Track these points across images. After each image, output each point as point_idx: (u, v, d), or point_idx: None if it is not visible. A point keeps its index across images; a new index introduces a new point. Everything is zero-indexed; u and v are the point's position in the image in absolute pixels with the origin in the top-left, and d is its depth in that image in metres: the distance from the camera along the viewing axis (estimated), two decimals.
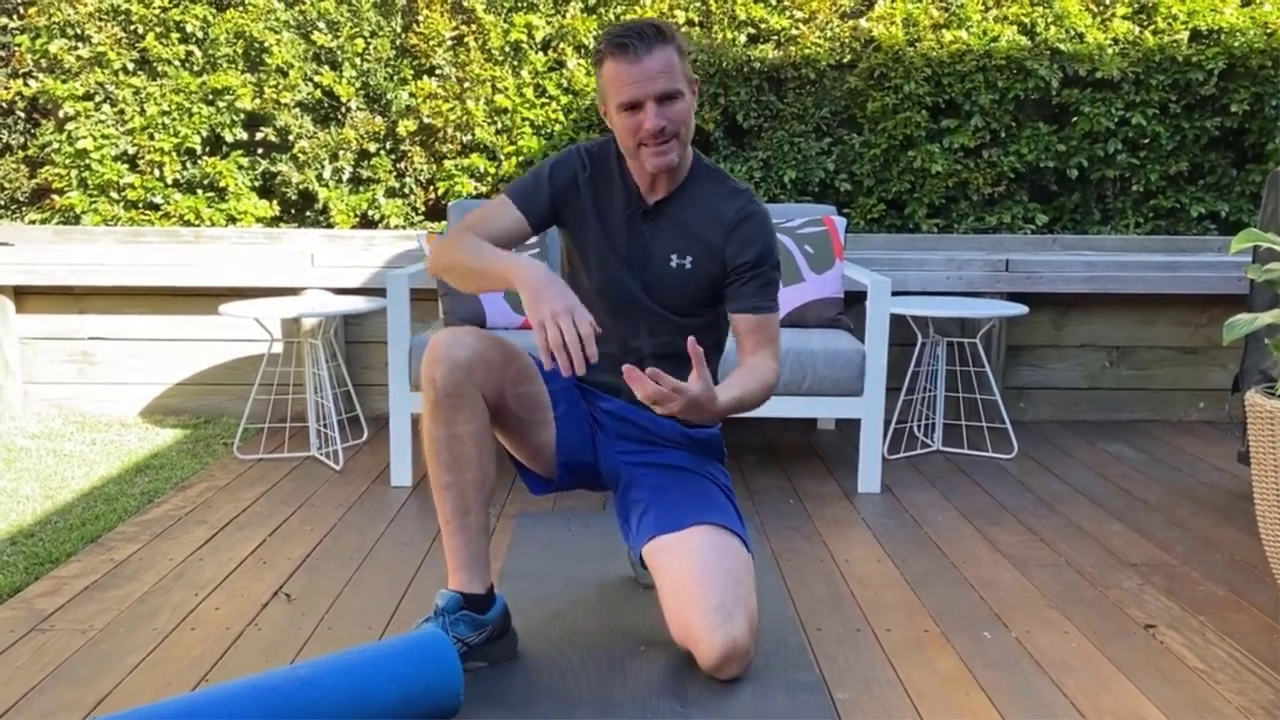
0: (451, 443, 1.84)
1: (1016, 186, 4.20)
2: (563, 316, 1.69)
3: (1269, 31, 4.06)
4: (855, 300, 3.63)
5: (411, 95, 4.09)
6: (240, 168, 4.13)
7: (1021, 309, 3.49)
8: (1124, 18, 4.10)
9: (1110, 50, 4.07)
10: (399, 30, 4.10)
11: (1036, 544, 2.68)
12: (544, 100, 4.10)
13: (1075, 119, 4.12)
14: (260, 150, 4.17)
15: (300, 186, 4.13)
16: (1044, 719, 1.78)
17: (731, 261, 1.98)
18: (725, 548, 1.92)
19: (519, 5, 4.10)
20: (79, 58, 4.06)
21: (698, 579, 1.85)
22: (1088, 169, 4.16)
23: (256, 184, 4.16)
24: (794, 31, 4.09)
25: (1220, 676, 1.95)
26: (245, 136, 4.12)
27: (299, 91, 4.08)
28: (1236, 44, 4.05)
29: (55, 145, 4.10)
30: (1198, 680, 1.93)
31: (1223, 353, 4.07)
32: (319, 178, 4.13)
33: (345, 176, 4.16)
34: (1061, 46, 4.08)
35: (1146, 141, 4.15)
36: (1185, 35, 4.08)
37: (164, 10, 4.06)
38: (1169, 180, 4.19)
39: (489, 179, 4.13)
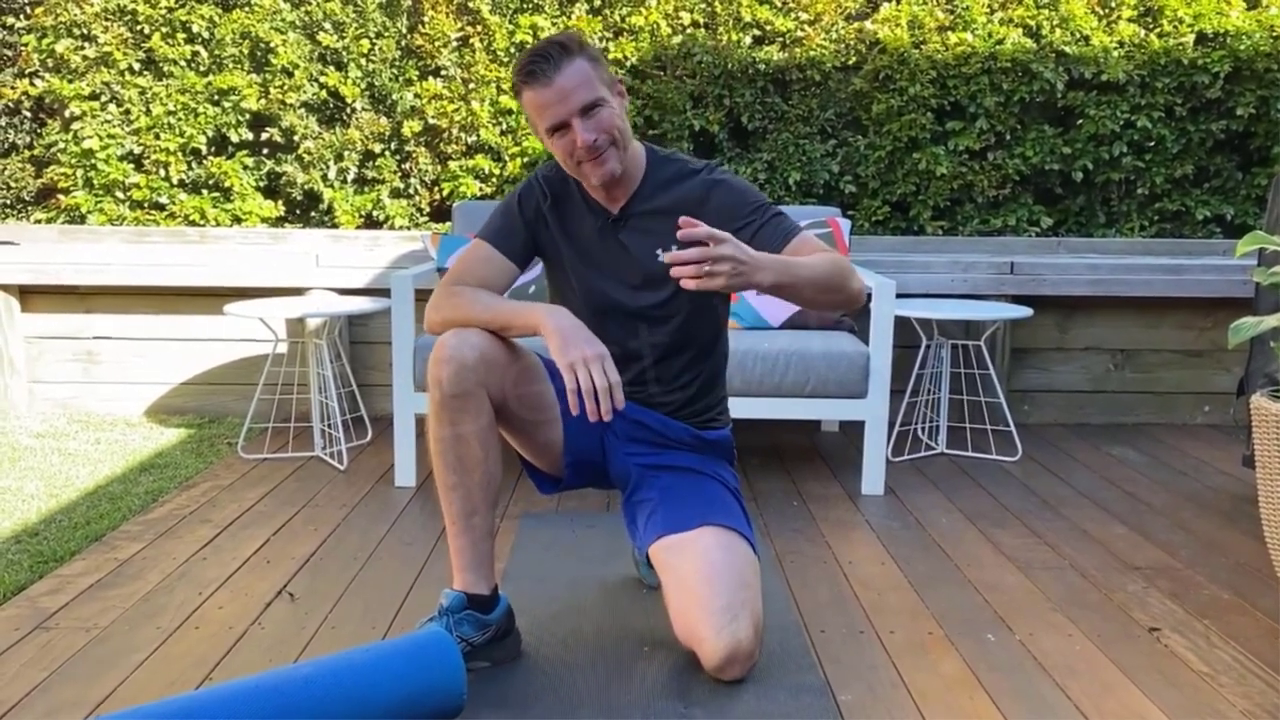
0: (457, 443, 1.84)
1: (1021, 189, 4.20)
2: (593, 363, 1.71)
3: (1275, 35, 4.05)
4: None
5: (417, 96, 4.09)
6: (245, 168, 4.13)
7: (1026, 311, 3.48)
8: (1129, 20, 4.10)
9: (1116, 53, 4.07)
10: (404, 31, 4.11)
11: (1040, 547, 2.68)
12: None
13: (1080, 122, 4.12)
14: (265, 150, 4.18)
15: (305, 187, 4.14)
16: None
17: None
18: (732, 549, 1.92)
19: (524, 6, 4.11)
20: (85, 57, 4.07)
21: (704, 579, 1.85)
22: (1093, 172, 4.16)
23: (261, 184, 4.17)
24: (799, 33, 4.09)
25: (1224, 680, 1.95)
26: (250, 137, 4.13)
27: (304, 92, 4.08)
28: (1242, 47, 4.04)
29: (61, 145, 4.11)
30: (1202, 684, 1.93)
31: (1228, 356, 4.07)
32: (324, 178, 4.14)
33: (350, 177, 4.16)
34: (1067, 49, 4.07)
35: (1152, 144, 4.15)
36: (1191, 38, 4.08)
37: (170, 10, 4.07)
38: (1174, 183, 4.18)
39: (494, 180, 4.13)
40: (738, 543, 1.93)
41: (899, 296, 3.75)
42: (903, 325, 3.79)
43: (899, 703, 1.85)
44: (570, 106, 1.79)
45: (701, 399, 2.09)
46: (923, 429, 3.81)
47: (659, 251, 1.93)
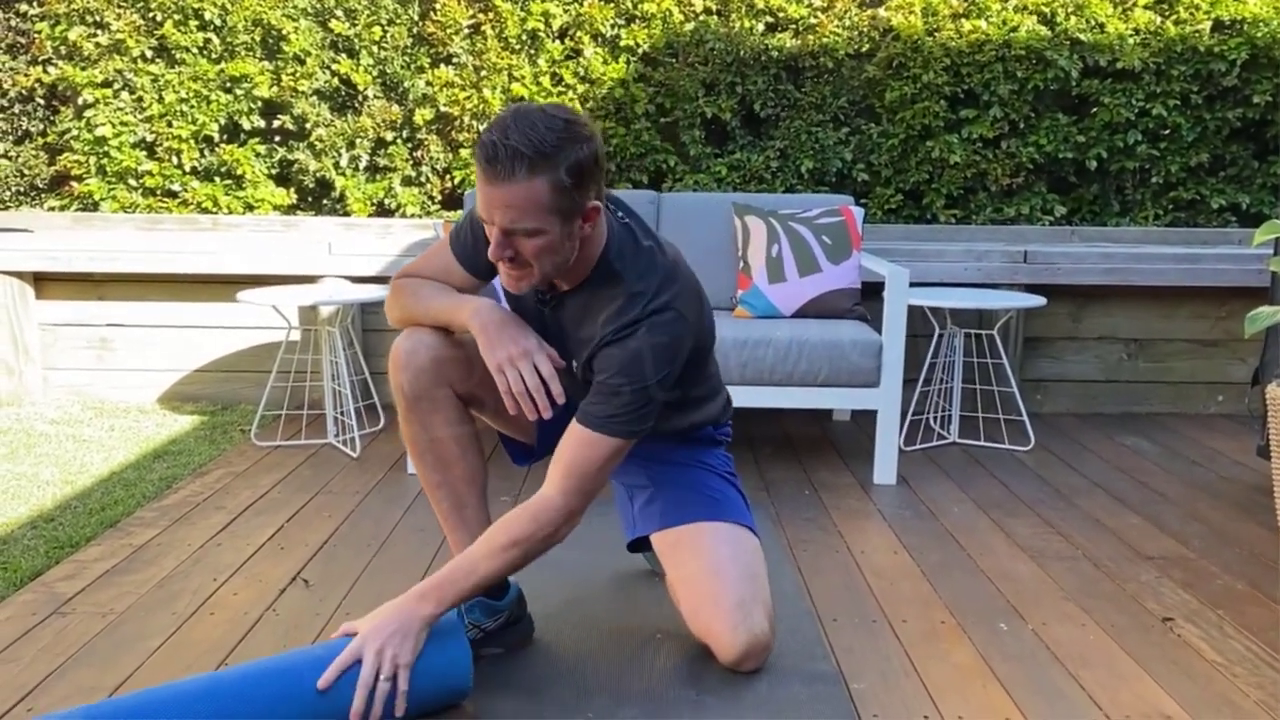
0: (433, 445, 1.84)
1: (1035, 177, 4.17)
2: (521, 360, 1.64)
3: None
4: (873, 291, 3.61)
5: (428, 84, 4.09)
6: (258, 155, 4.13)
7: (1039, 300, 3.47)
8: (1145, 7, 4.07)
9: (1131, 40, 4.04)
10: (416, 18, 4.10)
11: (1053, 536, 2.68)
12: (560, 89, 4.10)
13: (1095, 110, 4.09)
14: (277, 138, 4.18)
15: (317, 175, 4.14)
16: (1062, 712, 1.78)
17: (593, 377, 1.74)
18: (737, 542, 1.91)
19: None
20: (98, 45, 4.07)
21: (714, 576, 1.84)
22: (1107, 160, 4.13)
23: (274, 172, 4.17)
24: (812, 20, 4.07)
25: (1238, 670, 1.94)
26: (263, 124, 4.13)
27: (316, 79, 4.08)
28: (1259, 34, 4.01)
29: (74, 132, 4.11)
30: (1215, 674, 1.93)
31: (1242, 346, 4.04)
32: (336, 166, 4.14)
33: (362, 165, 4.16)
34: (1082, 36, 4.04)
35: (1167, 132, 4.12)
36: (1207, 25, 4.05)
37: None
38: (1189, 172, 4.15)
39: None
40: (739, 534, 1.93)
41: (912, 285, 3.74)
42: (915, 314, 3.79)
43: (912, 692, 1.85)
44: (497, 219, 1.56)
45: (679, 429, 1.99)
46: (935, 418, 3.80)
47: (573, 361, 1.79)
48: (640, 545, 2.14)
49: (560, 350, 1.78)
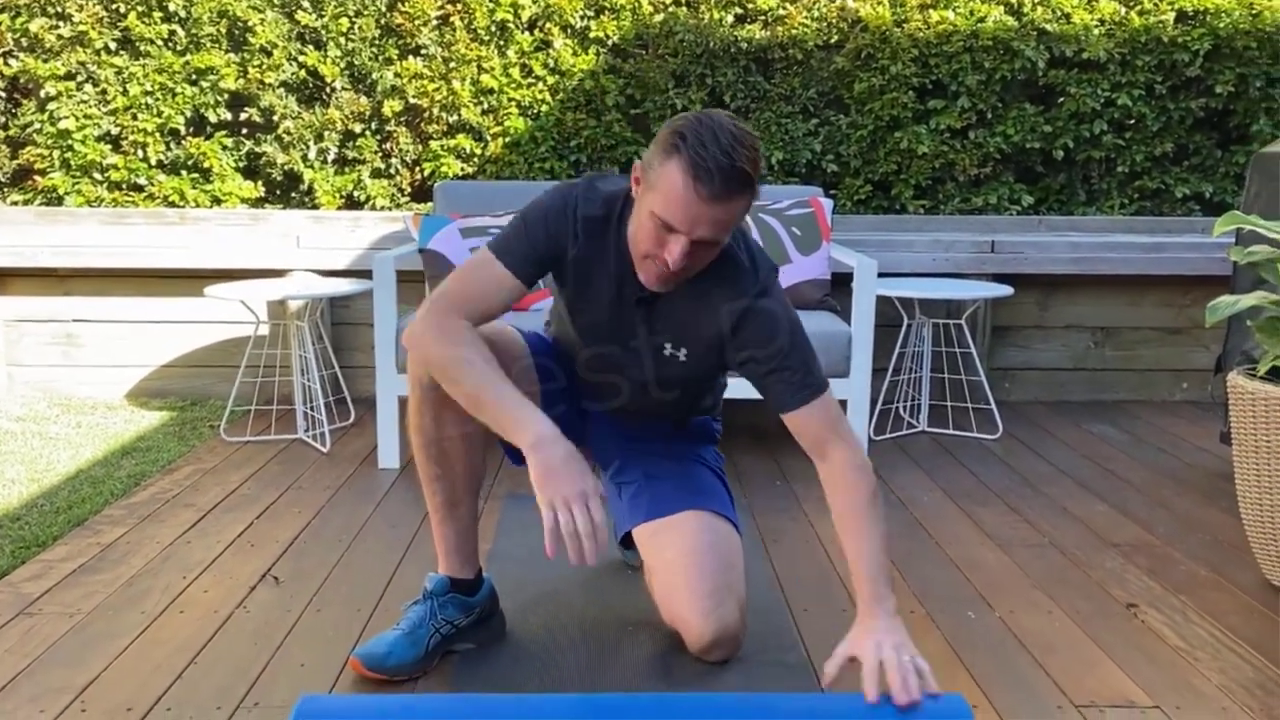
0: (441, 440, 1.83)
1: (1002, 167, 4.20)
2: (575, 501, 1.54)
3: (1254, 12, 4.07)
4: (842, 281, 3.63)
5: (397, 75, 4.06)
6: (224, 148, 4.10)
7: (1007, 290, 3.50)
8: None
9: (1097, 31, 4.08)
10: (384, 9, 4.07)
11: (1021, 524, 2.71)
12: (530, 80, 4.08)
13: (1061, 100, 4.13)
14: (244, 131, 4.14)
15: (285, 167, 4.11)
16: (1027, 699, 1.81)
17: (742, 362, 1.78)
18: (717, 531, 1.92)
19: None
20: (60, 37, 4.01)
21: (690, 563, 1.86)
22: (1073, 150, 4.17)
23: (241, 165, 4.14)
24: (781, 11, 4.08)
25: (1200, 655, 1.98)
26: (229, 117, 4.09)
27: (283, 71, 4.05)
28: (1222, 24, 4.06)
29: (37, 125, 4.06)
30: (1178, 659, 1.96)
31: (1206, 334, 4.10)
32: (304, 159, 4.11)
33: (330, 157, 4.13)
34: (1048, 27, 4.07)
35: (1132, 122, 4.16)
36: (1171, 16, 4.09)
37: None
38: (1154, 161, 4.20)
39: (475, 159, 4.11)
40: (722, 525, 1.94)
41: (881, 276, 3.76)
42: (884, 304, 3.81)
43: None
44: (695, 231, 1.57)
45: (689, 416, 2.10)
46: (904, 407, 3.83)
47: (668, 346, 1.81)
48: (629, 540, 2.15)
49: (635, 342, 1.81)
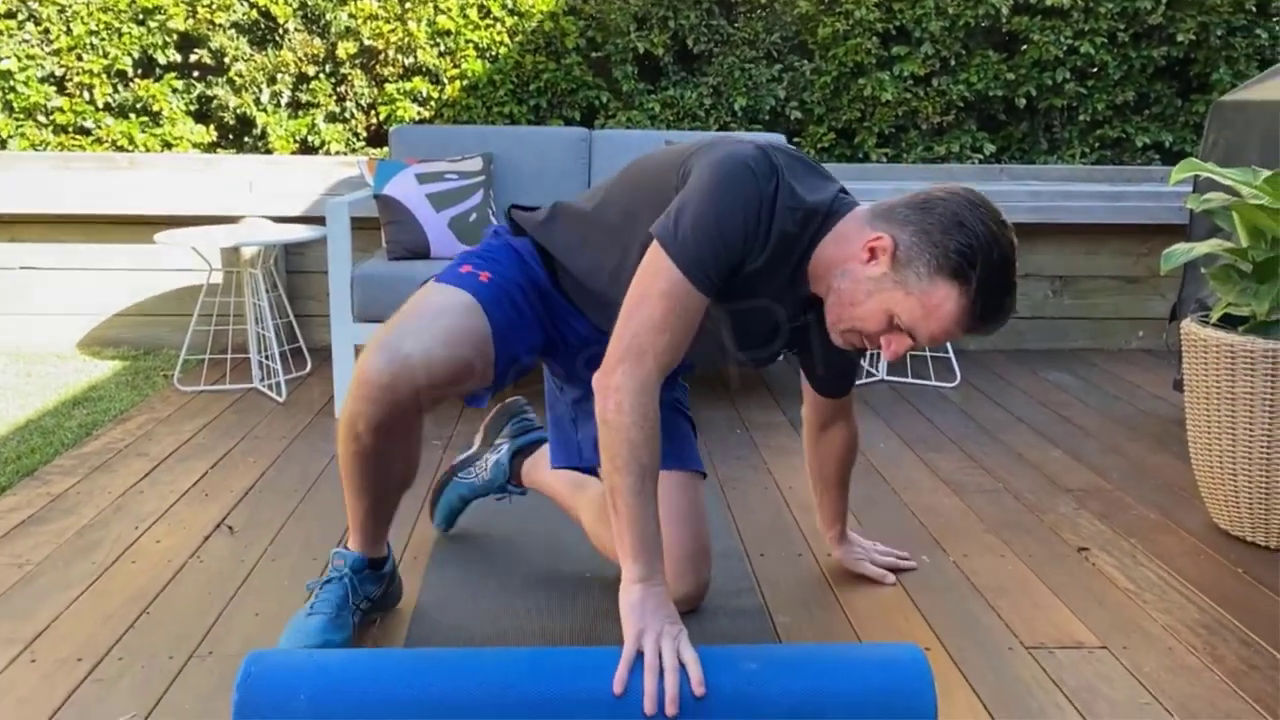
0: (380, 464, 1.65)
1: (965, 115, 4.19)
2: (667, 639, 1.35)
3: None
4: None
5: (351, 16, 3.96)
6: (174, 91, 3.99)
7: None
8: None
9: None
10: None
11: (976, 471, 2.73)
12: (488, 21, 4.00)
13: (1025, 47, 4.11)
14: (195, 74, 4.03)
15: (237, 111, 4.01)
16: (979, 640, 1.83)
17: (834, 354, 1.78)
18: (697, 491, 1.88)
19: None
20: None
21: (672, 531, 1.80)
22: (1036, 98, 4.16)
23: (192, 108, 4.03)
24: None
25: (1148, 596, 2.01)
26: (179, 59, 3.98)
27: (234, 11, 3.93)
28: None
29: None
30: (1126, 600, 1.99)
31: (1163, 282, 4.14)
32: (256, 102, 4.01)
33: (284, 101, 4.04)
34: None
35: (1095, 70, 4.16)
36: None
37: None
38: (1115, 110, 4.20)
39: (432, 103, 4.03)
40: (699, 485, 1.90)
41: None
42: None
43: (835, 624, 1.88)
44: (939, 340, 1.48)
45: None
46: (864, 357, 3.84)
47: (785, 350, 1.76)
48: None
49: (781, 344, 1.70)
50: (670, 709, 1.29)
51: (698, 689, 1.30)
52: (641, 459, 1.43)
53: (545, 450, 2.12)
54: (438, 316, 1.62)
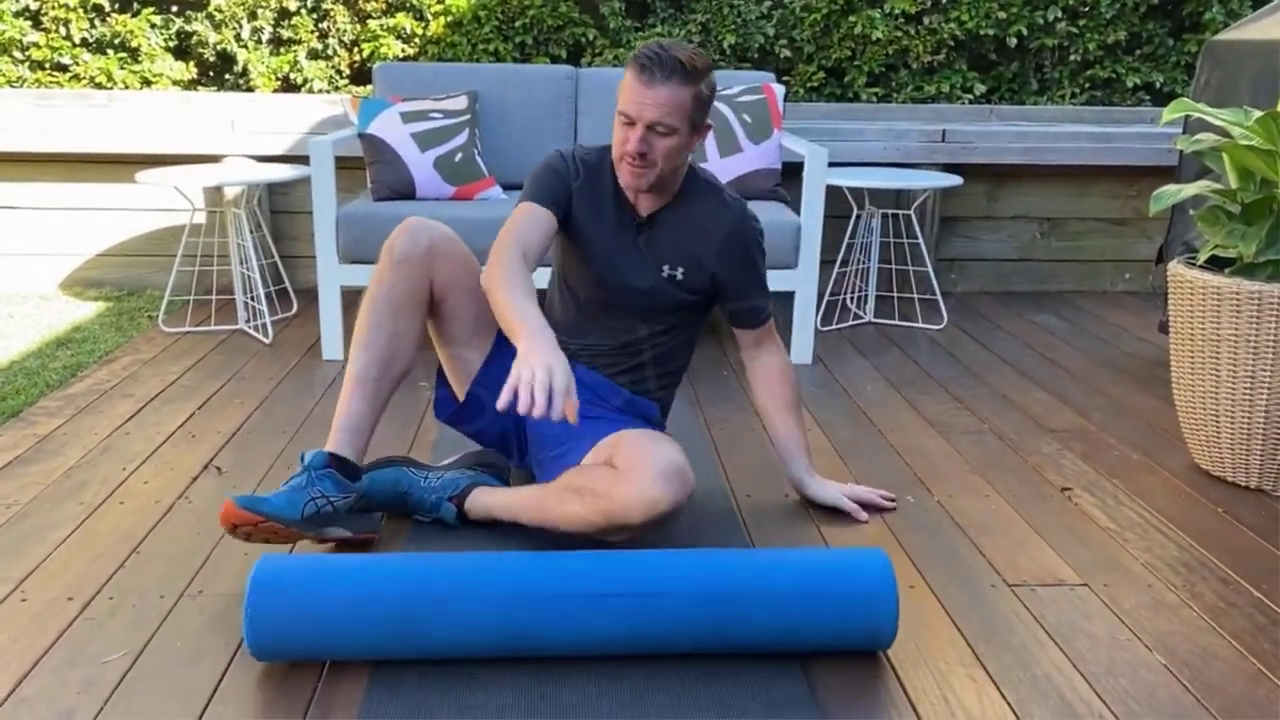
0: (389, 309, 1.94)
1: (956, 54, 4.15)
2: (541, 368, 1.59)
3: None
4: (792, 171, 3.59)
5: None
6: (153, 26, 3.91)
7: (956, 180, 3.49)
8: None
9: None
10: None
11: (962, 412, 2.75)
12: None
13: None
14: (174, 8, 3.95)
15: (218, 47, 3.93)
16: (962, 578, 1.85)
17: (722, 277, 2.01)
18: (659, 436, 1.88)
19: None
20: None
21: (646, 442, 1.80)
22: (1027, 37, 4.12)
23: (171, 44, 3.96)
24: None
25: (1129, 535, 2.04)
26: None
27: None
28: None
29: None
30: (1108, 539, 2.02)
31: (1150, 224, 4.14)
32: (237, 38, 3.93)
33: (265, 37, 3.96)
34: None
35: (1086, 9, 4.11)
36: None
37: None
38: (1106, 50, 4.17)
39: (416, 40, 3.97)
40: (659, 434, 1.91)
41: (831, 165, 3.73)
42: (834, 194, 3.78)
43: None
44: (644, 115, 1.83)
45: (656, 378, 2.08)
46: (852, 299, 3.85)
47: (665, 266, 1.99)
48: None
49: (636, 268, 1.99)
50: (538, 411, 1.55)
51: (571, 416, 1.58)
52: (510, 267, 1.80)
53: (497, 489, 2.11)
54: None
